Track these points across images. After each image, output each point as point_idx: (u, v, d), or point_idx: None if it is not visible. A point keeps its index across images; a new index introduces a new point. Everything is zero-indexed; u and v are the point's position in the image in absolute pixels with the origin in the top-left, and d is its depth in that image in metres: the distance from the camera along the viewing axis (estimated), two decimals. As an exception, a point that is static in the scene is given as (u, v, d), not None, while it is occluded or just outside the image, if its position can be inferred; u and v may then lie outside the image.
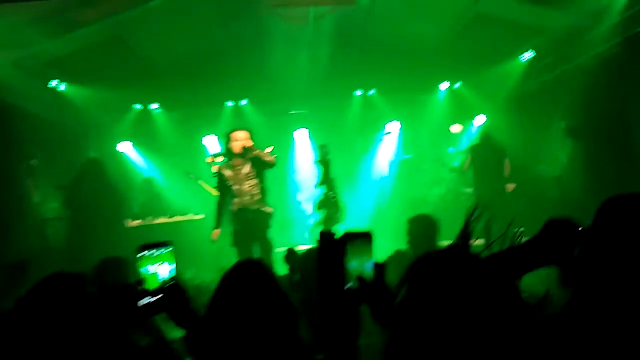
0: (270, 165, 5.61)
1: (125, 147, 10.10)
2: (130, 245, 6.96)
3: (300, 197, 10.34)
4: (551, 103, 8.55)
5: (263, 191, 5.76)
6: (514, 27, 7.63)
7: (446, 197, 9.69)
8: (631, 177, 6.89)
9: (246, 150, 5.51)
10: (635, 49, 6.63)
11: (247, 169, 5.62)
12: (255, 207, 5.64)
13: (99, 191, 7.52)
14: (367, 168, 10.78)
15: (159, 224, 8.56)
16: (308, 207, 9.61)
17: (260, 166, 5.68)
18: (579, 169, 8.22)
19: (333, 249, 1.50)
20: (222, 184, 5.74)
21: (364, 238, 1.54)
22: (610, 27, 6.86)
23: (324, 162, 6.31)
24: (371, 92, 10.04)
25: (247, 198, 5.61)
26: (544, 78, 8.57)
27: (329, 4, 6.50)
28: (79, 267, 7.11)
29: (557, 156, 8.77)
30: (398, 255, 3.62)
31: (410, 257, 3.34)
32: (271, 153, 5.74)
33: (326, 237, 1.55)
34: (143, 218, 8.56)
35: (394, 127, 10.50)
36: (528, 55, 8.68)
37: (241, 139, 5.56)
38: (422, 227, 3.74)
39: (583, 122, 7.94)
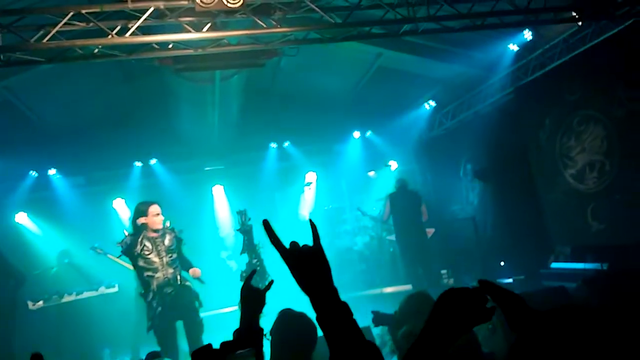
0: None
1: (24, 219, 9.27)
2: (34, 330, 6.13)
3: (223, 255, 9.97)
4: (456, 147, 8.96)
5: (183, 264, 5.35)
6: (413, 78, 7.99)
7: (370, 244, 9.76)
8: (533, 214, 7.29)
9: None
10: (524, 97, 7.13)
11: (168, 240, 5.19)
12: (178, 282, 5.12)
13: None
14: (288, 222, 10.64)
15: (66, 303, 7.78)
16: (233, 265, 9.28)
17: (180, 241, 5.30)
18: (488, 208, 8.61)
19: None
20: (133, 256, 5.24)
21: (244, 353, 1.34)
22: (501, 78, 7.37)
23: (244, 229, 5.90)
24: (286, 143, 10.01)
25: (170, 272, 5.16)
26: (447, 125, 9.00)
27: (236, 67, 6.40)
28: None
29: (467, 197, 9.15)
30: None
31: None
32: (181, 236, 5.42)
33: (200, 355, 1.36)
34: (51, 295, 7.76)
35: (312, 178, 10.50)
36: (430, 104, 9.09)
37: (159, 213, 5.17)
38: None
39: (487, 164, 8.37)
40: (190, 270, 5.22)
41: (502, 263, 7.99)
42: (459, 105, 8.62)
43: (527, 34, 6.61)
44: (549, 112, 6.75)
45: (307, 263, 1.23)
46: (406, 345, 2.28)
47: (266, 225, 1.27)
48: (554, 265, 6.99)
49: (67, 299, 7.80)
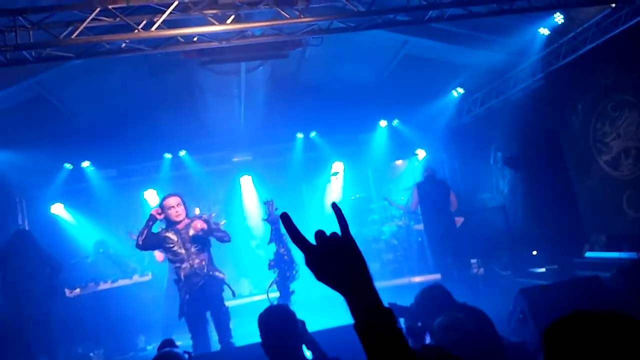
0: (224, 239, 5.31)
1: (60, 210, 9.58)
2: (72, 317, 6.32)
3: (253, 244, 10.09)
4: (486, 135, 8.79)
5: (211, 254, 5.37)
6: (440, 66, 7.84)
7: (398, 233, 9.72)
8: (565, 201, 7.10)
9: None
10: (555, 82, 6.93)
11: (193, 230, 5.22)
12: (206, 271, 5.22)
13: (30, 263, 7.04)
14: (315, 211, 10.67)
15: (102, 290, 8.03)
16: (262, 254, 9.39)
17: (209, 231, 5.25)
18: (519, 197, 8.44)
19: None
20: (163, 245, 5.34)
21: None
22: (532, 64, 7.16)
23: (271, 219, 5.91)
24: (312, 133, 10.01)
25: (197, 262, 5.23)
26: (475, 112, 8.83)
27: (260, 58, 6.42)
28: (15, 343, 6.56)
29: (497, 185, 8.99)
30: None
31: None
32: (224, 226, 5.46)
33: None
34: (87, 283, 8.03)
35: (339, 167, 10.49)
36: (458, 91, 8.92)
37: (174, 205, 5.27)
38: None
39: (518, 152, 8.18)
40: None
41: (534, 252, 7.84)
42: (488, 92, 8.43)
43: (558, 17, 6.39)
44: (582, 97, 6.54)
45: (337, 258, 1.02)
46: (443, 338, 2.25)
47: (285, 218, 1.06)
48: (589, 254, 6.82)
49: (102, 286, 8.03)
